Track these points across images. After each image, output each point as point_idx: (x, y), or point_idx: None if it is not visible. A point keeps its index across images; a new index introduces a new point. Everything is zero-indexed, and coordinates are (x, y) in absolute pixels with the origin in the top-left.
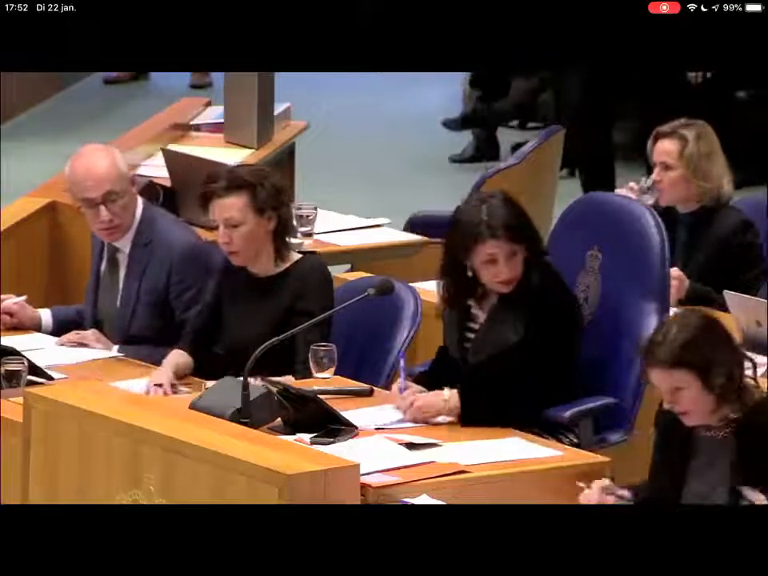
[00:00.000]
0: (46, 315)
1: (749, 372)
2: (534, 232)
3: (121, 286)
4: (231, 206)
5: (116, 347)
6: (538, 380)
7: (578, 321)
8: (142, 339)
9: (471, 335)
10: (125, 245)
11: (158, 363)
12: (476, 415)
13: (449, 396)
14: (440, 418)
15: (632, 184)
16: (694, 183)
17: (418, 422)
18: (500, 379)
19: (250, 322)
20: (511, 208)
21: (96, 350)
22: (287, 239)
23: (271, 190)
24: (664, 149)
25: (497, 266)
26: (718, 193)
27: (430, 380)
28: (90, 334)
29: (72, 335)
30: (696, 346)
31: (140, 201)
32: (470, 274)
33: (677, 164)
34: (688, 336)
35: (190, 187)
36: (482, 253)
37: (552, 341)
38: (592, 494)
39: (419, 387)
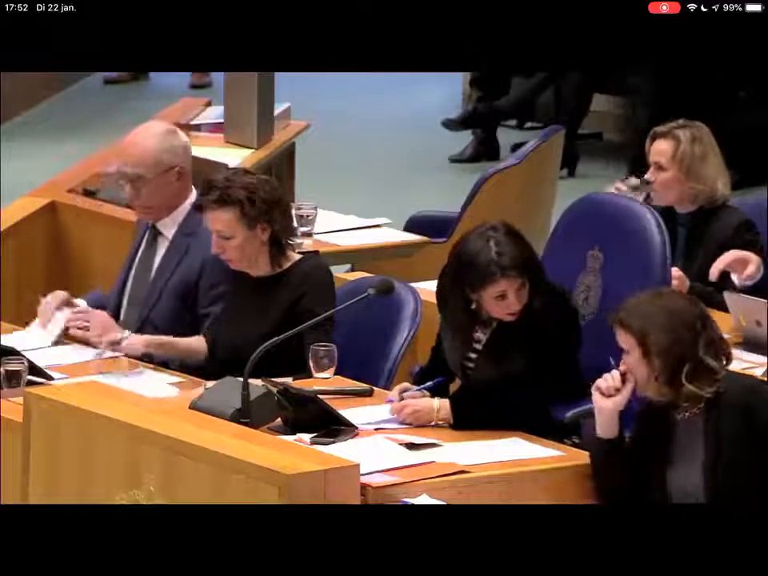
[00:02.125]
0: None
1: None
2: (535, 260)
3: (155, 268)
4: (221, 220)
5: (127, 332)
6: (538, 395)
7: (579, 338)
8: (159, 325)
9: (473, 355)
10: (169, 230)
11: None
12: (468, 426)
13: (439, 406)
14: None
15: (618, 184)
16: (687, 184)
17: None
18: (495, 394)
19: (251, 322)
20: (517, 241)
21: (96, 350)
22: (283, 246)
23: (262, 205)
24: (659, 149)
25: (507, 301)
26: (712, 194)
27: (440, 385)
28: (98, 317)
29: (77, 317)
30: (639, 318)
31: (194, 193)
32: (473, 306)
33: (670, 165)
34: (638, 305)
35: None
36: (492, 291)
37: (553, 365)
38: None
39: (419, 393)
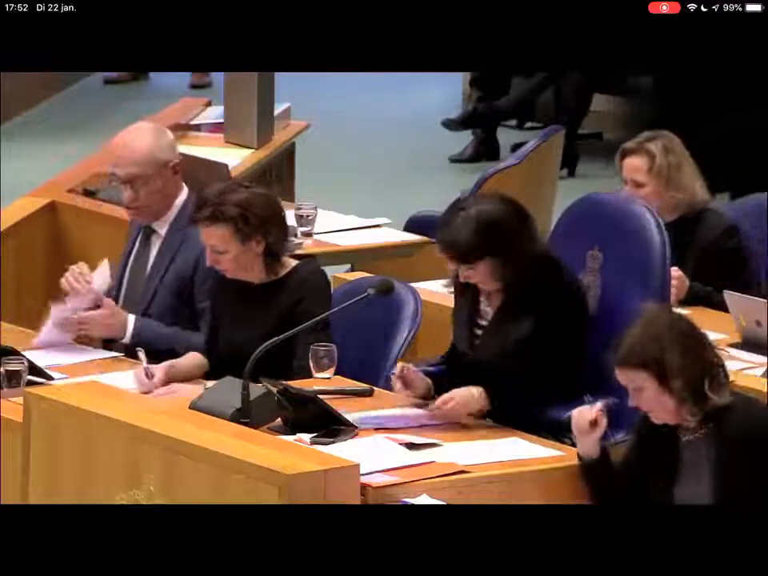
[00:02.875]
0: None
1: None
2: (504, 245)
3: (149, 266)
4: (215, 236)
5: (132, 317)
6: (546, 380)
7: (584, 314)
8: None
9: (479, 332)
10: (162, 228)
11: (170, 345)
12: (505, 410)
13: (478, 394)
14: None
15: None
16: (667, 195)
17: (449, 420)
18: (522, 375)
19: (248, 328)
20: (476, 228)
21: (96, 350)
22: (278, 254)
23: (255, 221)
24: (633, 166)
25: (456, 268)
26: (692, 200)
27: (440, 373)
28: (95, 320)
29: (77, 329)
30: (644, 348)
31: (185, 189)
32: None
33: (647, 180)
34: (635, 338)
35: (189, 187)
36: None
37: (558, 338)
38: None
39: (422, 377)
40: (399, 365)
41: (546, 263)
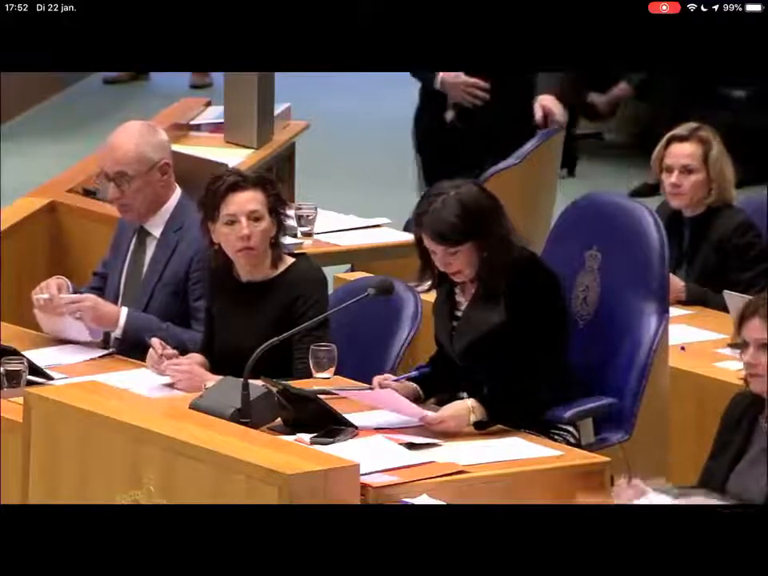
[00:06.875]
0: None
1: None
2: (486, 227)
3: (145, 267)
4: (255, 199)
5: (125, 309)
6: (536, 378)
7: (561, 300)
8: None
9: (456, 323)
10: (157, 229)
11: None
12: (504, 417)
13: (473, 405)
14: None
15: None
16: (714, 185)
17: (447, 433)
18: (523, 381)
19: (245, 328)
20: (460, 210)
21: (96, 349)
22: (281, 248)
23: (278, 195)
24: (685, 152)
25: (437, 257)
26: (728, 194)
27: (424, 377)
28: (91, 302)
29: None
30: None
31: (178, 190)
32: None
33: (700, 167)
34: None
35: (190, 187)
36: (425, 240)
37: (535, 320)
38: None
39: (405, 384)
40: (376, 380)
41: (521, 252)
